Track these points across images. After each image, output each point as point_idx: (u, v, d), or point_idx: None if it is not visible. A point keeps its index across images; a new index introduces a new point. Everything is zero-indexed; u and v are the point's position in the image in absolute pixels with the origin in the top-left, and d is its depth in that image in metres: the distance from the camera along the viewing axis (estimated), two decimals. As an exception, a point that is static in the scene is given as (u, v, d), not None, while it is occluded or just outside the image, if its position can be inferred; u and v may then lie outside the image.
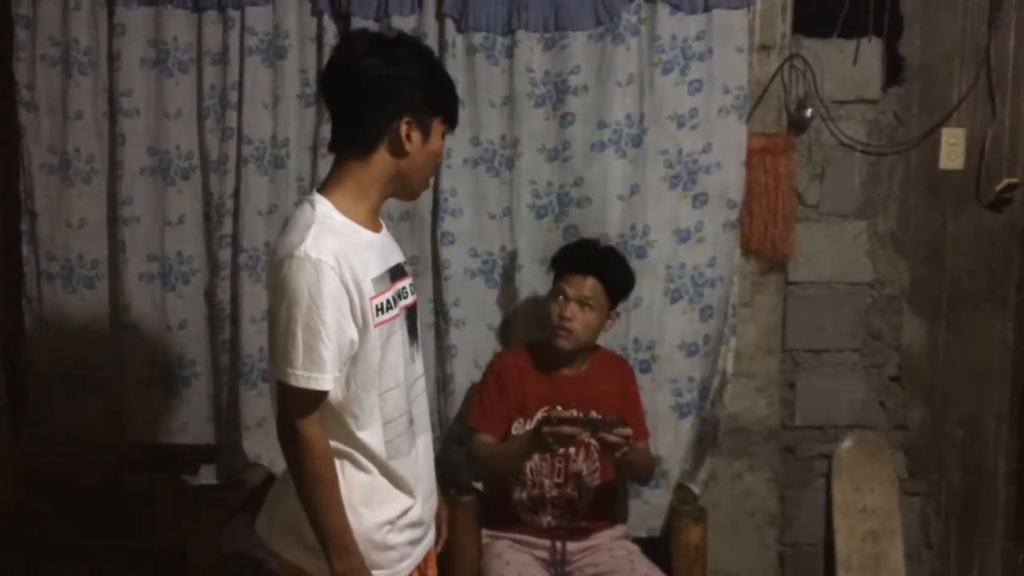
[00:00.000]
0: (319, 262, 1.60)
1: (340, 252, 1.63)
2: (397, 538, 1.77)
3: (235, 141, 2.75)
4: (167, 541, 2.48)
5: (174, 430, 2.84)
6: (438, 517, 1.99)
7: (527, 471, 2.49)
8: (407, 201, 2.12)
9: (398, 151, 1.72)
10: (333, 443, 1.70)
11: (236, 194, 2.77)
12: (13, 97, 2.75)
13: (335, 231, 1.67)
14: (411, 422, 1.81)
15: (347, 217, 1.71)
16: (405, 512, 1.78)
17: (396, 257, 1.84)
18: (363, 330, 1.67)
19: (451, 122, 1.81)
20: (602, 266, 2.49)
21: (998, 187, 2.86)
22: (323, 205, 1.71)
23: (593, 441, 2.37)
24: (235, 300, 2.79)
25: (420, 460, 1.83)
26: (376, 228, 1.79)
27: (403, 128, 1.70)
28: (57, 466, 2.64)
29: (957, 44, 2.85)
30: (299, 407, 1.65)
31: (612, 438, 2.23)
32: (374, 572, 1.72)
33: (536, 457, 2.46)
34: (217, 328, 2.83)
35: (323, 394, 1.65)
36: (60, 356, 2.83)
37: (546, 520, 2.51)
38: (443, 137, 1.80)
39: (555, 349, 2.50)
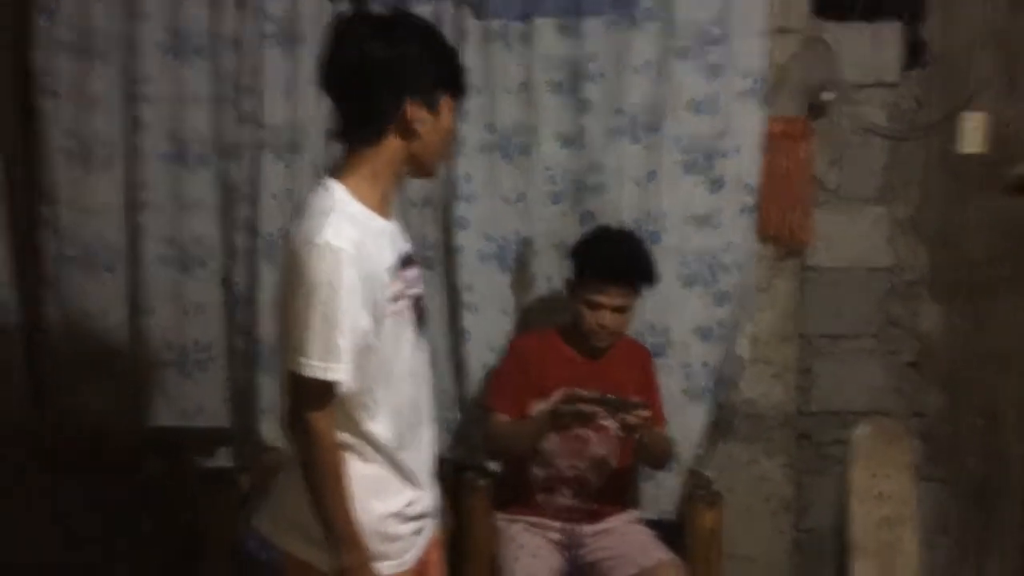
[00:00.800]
0: (339, 250, 1.57)
1: (359, 241, 1.60)
2: (404, 529, 1.77)
3: (252, 126, 2.76)
4: (183, 523, 2.50)
5: (190, 413, 2.86)
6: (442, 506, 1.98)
7: (543, 451, 2.50)
8: (424, 179, 2.07)
9: (409, 133, 1.69)
10: (341, 434, 1.68)
11: (253, 180, 2.78)
12: (33, 84, 2.77)
13: (352, 219, 1.64)
14: (419, 413, 1.80)
15: (362, 204, 1.68)
16: (411, 503, 1.77)
17: (405, 246, 1.81)
18: (377, 321, 1.65)
19: (458, 94, 1.78)
20: (639, 275, 2.47)
21: (1018, 171, 2.82)
22: (339, 191, 1.67)
23: (610, 423, 2.38)
24: (252, 285, 2.80)
25: (424, 451, 1.82)
26: (387, 215, 1.75)
27: (410, 110, 1.67)
28: (75, 448, 2.66)
29: (978, 27, 2.80)
30: (312, 398, 1.62)
31: (631, 419, 2.25)
32: (382, 563, 1.72)
33: (553, 437, 2.47)
34: (233, 312, 2.86)
35: (336, 385, 1.62)
36: (79, 340, 2.85)
37: (560, 500, 2.52)
38: (453, 110, 1.76)
39: (584, 341, 2.50)
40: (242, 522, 2.44)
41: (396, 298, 1.70)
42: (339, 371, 1.60)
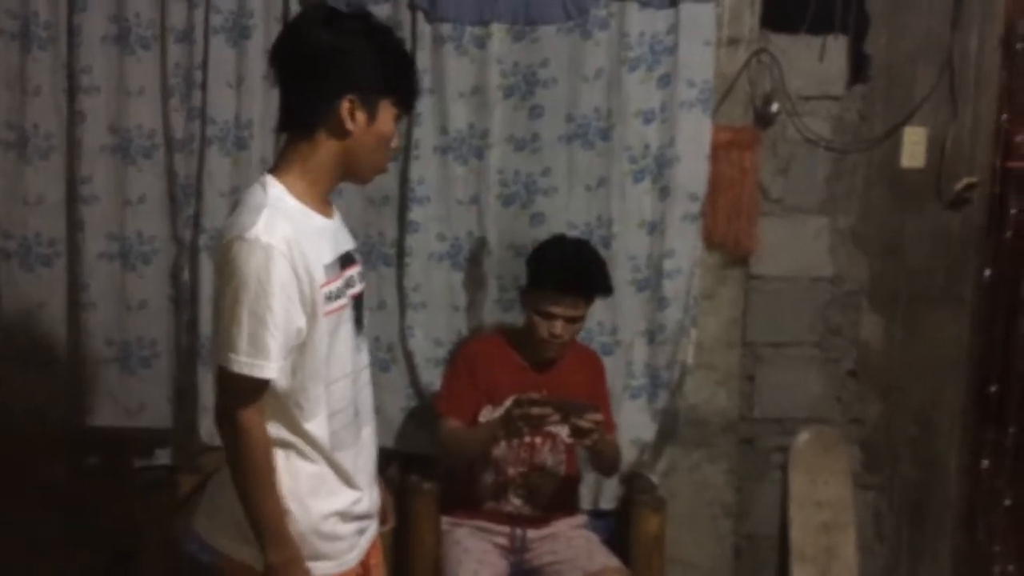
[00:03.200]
0: (269, 247, 1.55)
1: (292, 238, 1.58)
2: (345, 528, 1.75)
3: (199, 121, 2.71)
4: (120, 524, 2.45)
5: (132, 411, 2.80)
6: (383, 505, 1.95)
7: (493, 458, 2.49)
8: (359, 185, 2.06)
9: (341, 131, 1.64)
10: (278, 433, 1.65)
11: (198, 175, 2.73)
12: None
13: (288, 215, 1.61)
14: (356, 413, 1.77)
15: (299, 201, 1.66)
16: (352, 504, 1.75)
17: (347, 244, 1.78)
18: (311, 319, 1.61)
19: (403, 105, 1.72)
20: (593, 287, 2.46)
21: (957, 186, 2.89)
22: (275, 188, 1.65)
23: (560, 430, 2.37)
24: (195, 281, 2.75)
25: (364, 451, 1.80)
26: (328, 213, 1.73)
27: (345, 106, 1.62)
28: (11, 447, 2.59)
29: (921, 44, 2.87)
30: (240, 394, 1.59)
31: (583, 423, 2.24)
32: (321, 563, 1.70)
33: (502, 444, 2.46)
34: (181, 309, 2.80)
35: (265, 383, 1.59)
36: (15, 335, 2.78)
37: (508, 507, 2.51)
38: (397, 121, 1.72)
39: (535, 348, 2.49)
40: (180, 523, 2.43)
41: (333, 296, 1.67)
42: (267, 368, 1.57)
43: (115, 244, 2.78)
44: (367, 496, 1.80)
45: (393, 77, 1.68)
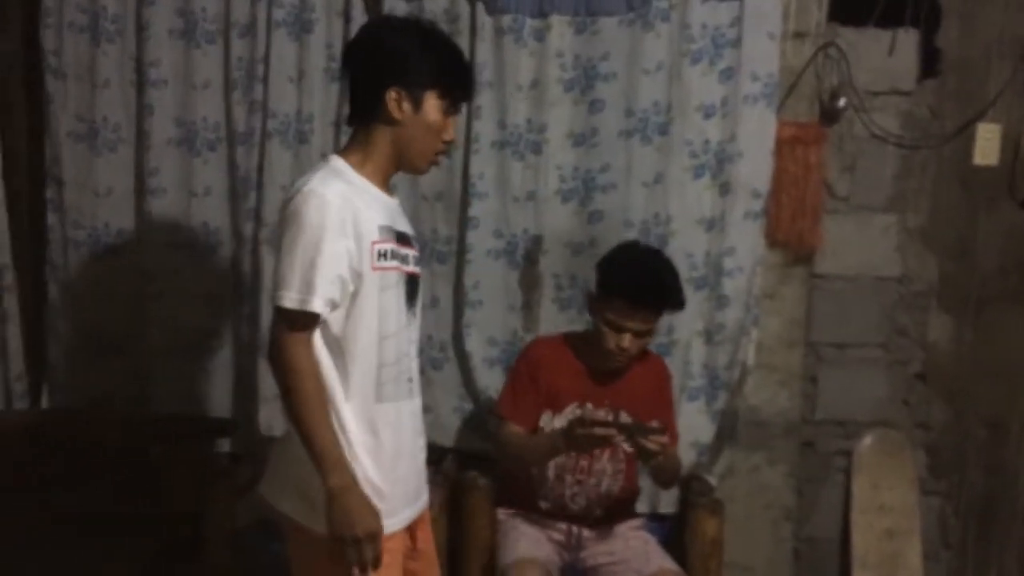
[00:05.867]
0: (323, 195, 1.71)
1: (346, 194, 1.74)
2: (390, 489, 1.81)
3: (261, 114, 2.75)
4: (183, 512, 2.49)
5: (195, 400, 2.85)
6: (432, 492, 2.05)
7: (550, 467, 2.44)
8: (415, 175, 2.16)
9: (390, 120, 1.81)
10: (327, 375, 1.76)
11: (260, 168, 2.77)
12: (41, 64, 2.75)
13: (345, 179, 1.79)
14: (409, 380, 1.88)
15: (359, 174, 1.82)
16: (393, 456, 1.83)
17: (404, 226, 1.91)
18: (359, 269, 1.75)
19: (449, 96, 1.84)
20: (669, 303, 2.38)
21: (1033, 185, 2.81)
22: (337, 162, 1.83)
23: (624, 445, 2.32)
24: (256, 273, 2.79)
25: (408, 420, 1.88)
26: (388, 193, 1.89)
27: (391, 97, 1.79)
28: (77, 433, 2.65)
29: (995, 38, 2.79)
30: (290, 328, 1.72)
31: (650, 445, 2.16)
32: None
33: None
34: (239, 301, 2.84)
35: (313, 317, 1.71)
36: (84, 324, 2.86)
37: (565, 511, 2.47)
38: (447, 114, 1.85)
39: (599, 356, 2.41)
40: (241, 511, 2.46)
41: (386, 255, 1.79)
42: (315, 303, 1.70)
43: (181, 235, 2.83)
44: (410, 462, 1.88)
45: (436, 69, 1.82)
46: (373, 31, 1.91)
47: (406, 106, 1.80)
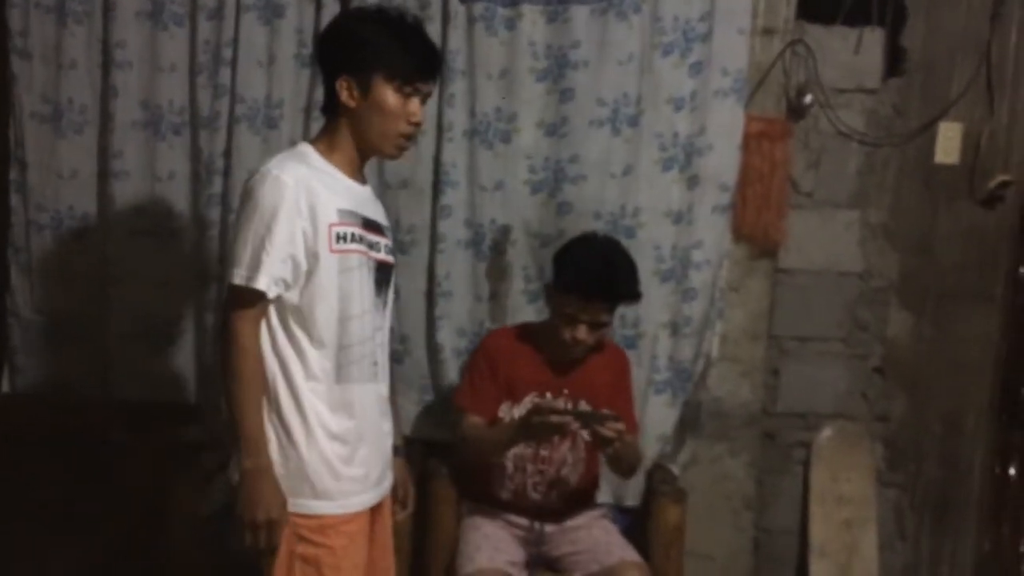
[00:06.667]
0: (277, 178, 1.75)
1: (302, 177, 1.78)
2: (348, 471, 1.85)
3: (228, 99, 2.72)
4: (146, 499, 2.47)
5: (155, 387, 2.82)
6: (403, 489, 2.10)
7: (509, 458, 2.45)
8: (387, 159, 2.16)
9: (342, 107, 1.85)
10: (288, 351, 1.80)
11: (227, 153, 2.75)
12: (5, 44, 2.71)
13: (307, 163, 1.83)
14: (374, 364, 1.91)
15: (326, 161, 1.87)
16: (355, 437, 1.86)
17: (375, 214, 1.94)
18: (314, 250, 1.78)
19: (399, 77, 1.84)
20: (623, 294, 2.39)
21: (991, 184, 2.85)
22: (304, 146, 1.89)
23: (582, 433, 2.34)
24: (222, 259, 2.76)
25: (371, 402, 1.91)
26: (359, 180, 1.93)
27: (341, 85, 1.84)
28: (38, 418, 2.62)
29: (958, 38, 2.83)
30: (237, 304, 1.77)
31: (605, 431, 2.17)
32: (322, 502, 1.82)
33: (521, 444, 2.43)
34: (203, 287, 2.82)
35: (259, 294, 1.75)
36: (46, 307, 2.81)
37: (527, 502, 2.48)
38: (400, 94, 1.85)
39: (557, 346, 2.42)
40: (204, 498, 2.45)
41: (345, 238, 1.82)
42: (261, 281, 1.75)
43: (145, 220, 2.79)
44: (373, 447, 1.91)
45: (380, 53, 1.83)
46: (333, 23, 1.96)
47: (356, 93, 1.84)
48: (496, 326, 2.76)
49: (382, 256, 1.92)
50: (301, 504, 1.81)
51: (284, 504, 1.77)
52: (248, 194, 1.78)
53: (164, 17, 2.71)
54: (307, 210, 1.77)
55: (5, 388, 2.86)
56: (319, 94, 2.65)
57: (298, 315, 1.81)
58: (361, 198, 1.91)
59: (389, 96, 1.85)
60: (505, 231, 2.77)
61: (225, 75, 2.71)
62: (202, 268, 2.81)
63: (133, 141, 2.77)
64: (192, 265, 2.82)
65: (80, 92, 2.75)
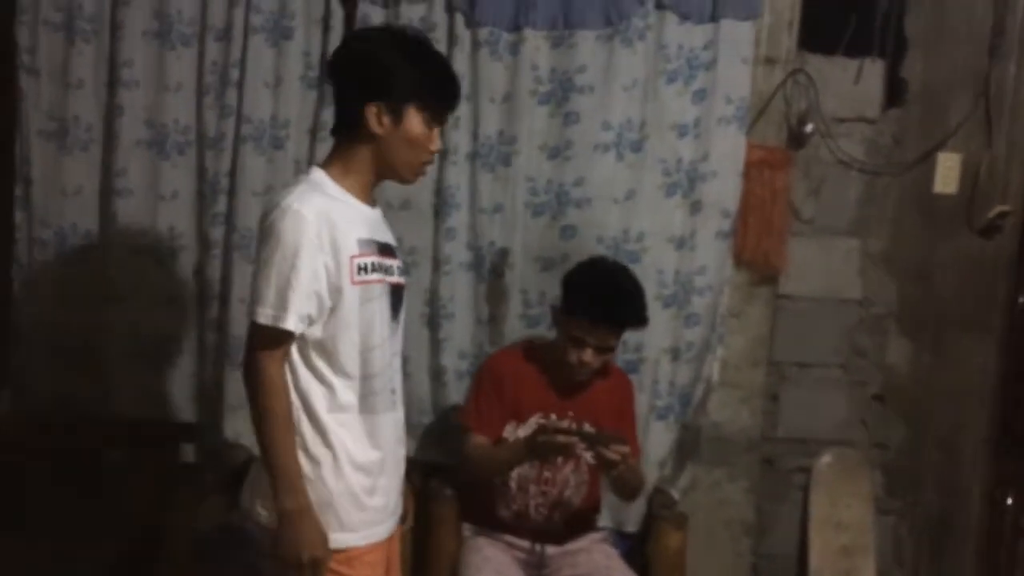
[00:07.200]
0: (298, 212, 1.72)
1: (323, 210, 1.75)
2: (372, 501, 1.84)
3: (234, 119, 2.73)
4: (144, 517, 2.46)
5: (155, 405, 2.81)
6: (405, 504, 2.06)
7: (513, 478, 2.45)
8: (403, 184, 2.08)
9: (370, 134, 1.81)
10: (314, 385, 1.78)
11: (232, 172, 2.75)
12: (14, 61, 2.72)
13: (324, 192, 1.80)
14: (392, 391, 1.89)
15: (339, 186, 1.83)
16: (379, 465, 1.85)
17: (386, 237, 1.92)
18: (337, 284, 1.76)
19: (431, 108, 1.84)
20: (630, 320, 2.40)
21: (990, 214, 2.87)
22: (317, 173, 1.84)
23: (586, 455, 2.34)
24: (225, 279, 2.77)
25: (390, 431, 1.90)
26: (370, 204, 1.89)
27: (371, 112, 1.79)
28: (38, 435, 2.61)
29: (958, 70, 2.87)
30: (264, 344, 1.74)
31: (610, 454, 2.18)
32: (348, 535, 1.80)
33: (525, 464, 2.43)
34: (205, 306, 2.81)
35: (287, 334, 1.73)
36: (47, 324, 2.80)
37: (528, 523, 2.48)
38: (428, 124, 1.84)
39: (562, 368, 2.43)
40: (203, 516, 2.44)
41: (366, 269, 1.80)
42: (288, 321, 1.72)
43: (145, 239, 2.79)
44: (392, 474, 1.90)
45: (417, 83, 1.81)
46: (354, 44, 1.91)
47: (386, 120, 1.80)
48: (495, 349, 2.76)
49: (395, 279, 1.91)
50: (328, 539, 1.79)
51: (326, 541, 1.76)
52: (269, 230, 1.75)
53: (172, 37, 2.72)
54: (328, 244, 1.75)
55: (5, 405, 2.84)
56: (325, 115, 2.69)
57: (321, 348, 1.79)
58: (374, 222, 1.89)
59: (419, 125, 1.83)
60: (503, 254, 2.78)
61: (232, 96, 2.72)
62: (203, 287, 2.80)
63: (137, 159, 2.77)
64: (192, 284, 2.82)
65: (86, 110, 2.75)
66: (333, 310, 1.77)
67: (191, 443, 2.79)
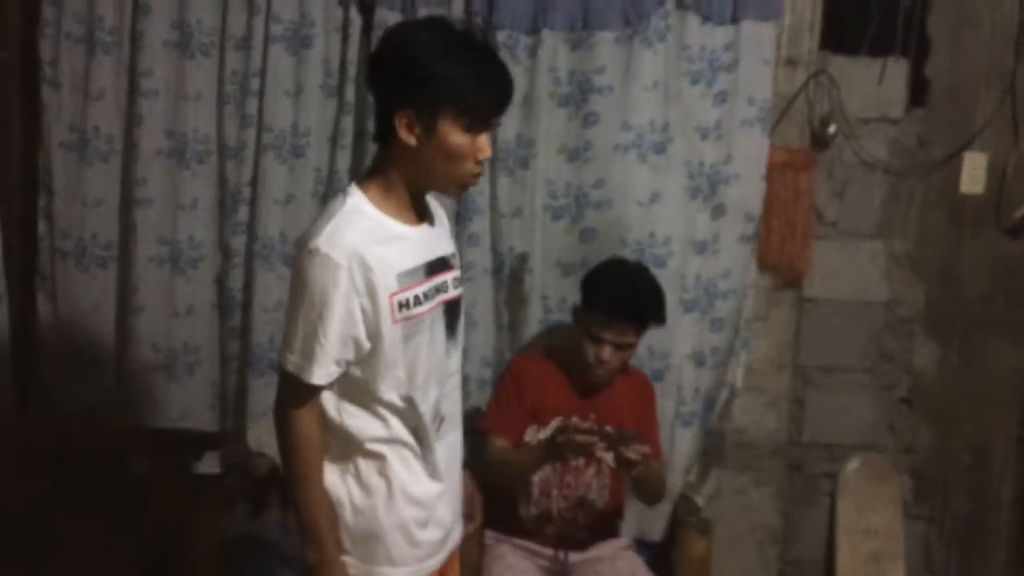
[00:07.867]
0: (327, 258, 1.57)
1: (355, 250, 1.59)
2: (425, 535, 1.76)
3: (255, 128, 2.73)
4: (168, 526, 2.46)
5: (175, 416, 2.81)
6: (469, 503, 2.00)
7: (535, 483, 2.45)
8: (448, 196, 2.02)
9: (401, 144, 1.62)
10: (363, 424, 1.70)
11: (253, 182, 2.75)
12: (37, 74, 2.74)
13: (360, 225, 1.62)
14: (441, 419, 1.79)
15: (378, 209, 1.67)
16: (435, 499, 1.77)
17: (439, 250, 1.77)
18: (375, 328, 1.63)
19: (470, 114, 1.61)
20: (648, 316, 2.40)
21: (1017, 214, 2.85)
22: (355, 196, 1.67)
23: (606, 457, 2.32)
24: (247, 288, 2.77)
25: (443, 458, 1.79)
26: (412, 221, 1.71)
27: (400, 121, 1.61)
28: (61, 444, 2.62)
29: (983, 69, 2.84)
30: (291, 393, 1.66)
31: (630, 454, 2.16)
32: (398, 569, 1.73)
33: (547, 468, 2.42)
34: (226, 315, 2.82)
35: (314, 387, 1.64)
36: (70, 334, 2.81)
37: (551, 528, 2.48)
38: (469, 132, 1.62)
39: (583, 369, 2.43)
40: (226, 525, 2.44)
41: (409, 304, 1.66)
42: (314, 375, 1.62)
43: (166, 248, 2.80)
44: (447, 503, 1.81)
45: (450, 87, 1.59)
46: (388, 41, 1.67)
47: (417, 130, 1.61)
48: (514, 356, 2.74)
49: (450, 295, 1.77)
50: (375, 572, 1.73)
51: None
52: (298, 272, 1.62)
53: (192, 47, 2.72)
54: (364, 286, 1.60)
55: (29, 415, 2.85)
56: (345, 123, 2.70)
57: (363, 385, 1.68)
58: (422, 241, 1.72)
59: (457, 136, 1.62)
60: (523, 259, 2.76)
61: (252, 105, 2.72)
62: (224, 296, 2.81)
63: (157, 169, 2.77)
64: (212, 293, 2.83)
65: (107, 121, 2.76)
66: (372, 351, 1.65)
67: (214, 451, 2.79)
